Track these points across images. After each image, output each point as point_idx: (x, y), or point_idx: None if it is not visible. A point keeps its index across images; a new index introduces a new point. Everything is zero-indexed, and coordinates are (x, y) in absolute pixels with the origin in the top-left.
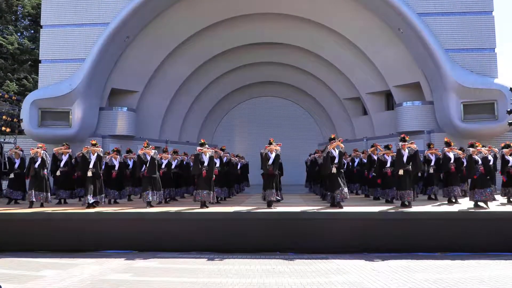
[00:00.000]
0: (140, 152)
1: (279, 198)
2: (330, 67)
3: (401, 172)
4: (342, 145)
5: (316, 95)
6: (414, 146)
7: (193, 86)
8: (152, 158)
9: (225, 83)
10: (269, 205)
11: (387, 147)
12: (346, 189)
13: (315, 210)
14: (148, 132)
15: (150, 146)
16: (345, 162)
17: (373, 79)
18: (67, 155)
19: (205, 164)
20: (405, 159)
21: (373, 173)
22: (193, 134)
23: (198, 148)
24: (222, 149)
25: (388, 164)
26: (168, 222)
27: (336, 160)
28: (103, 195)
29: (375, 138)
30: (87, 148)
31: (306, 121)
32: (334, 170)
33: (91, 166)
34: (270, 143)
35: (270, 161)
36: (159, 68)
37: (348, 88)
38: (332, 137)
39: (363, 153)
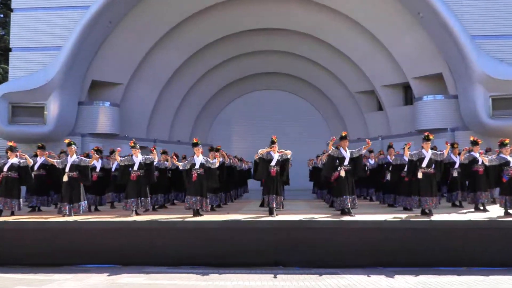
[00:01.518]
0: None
1: (278, 207)
2: (340, 56)
3: (420, 175)
4: (331, 147)
5: (324, 88)
6: (445, 154)
7: (184, 78)
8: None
9: (221, 74)
10: (271, 212)
11: (452, 146)
12: (354, 198)
13: (323, 219)
14: (134, 130)
15: (137, 146)
16: (369, 163)
17: (389, 70)
18: (42, 157)
19: (197, 166)
20: (426, 161)
21: (388, 178)
22: (185, 133)
23: (195, 147)
24: (217, 149)
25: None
26: (157, 232)
27: (347, 162)
28: (82, 202)
29: (391, 136)
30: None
31: (313, 118)
32: (343, 173)
33: (67, 169)
34: (273, 142)
35: (273, 162)
36: (146, 58)
37: (361, 80)
38: (343, 134)
39: (380, 154)
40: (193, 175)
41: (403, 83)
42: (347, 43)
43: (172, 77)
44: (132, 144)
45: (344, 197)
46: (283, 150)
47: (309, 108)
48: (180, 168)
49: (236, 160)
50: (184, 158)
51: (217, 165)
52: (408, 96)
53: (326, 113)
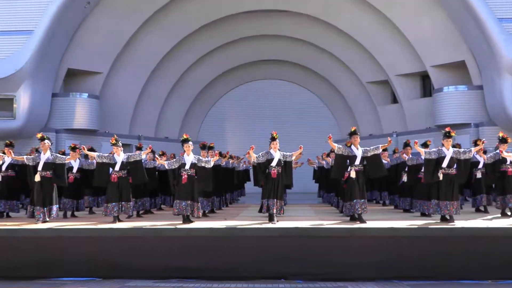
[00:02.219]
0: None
1: (279, 213)
2: (350, 42)
3: (440, 176)
4: (334, 144)
5: (332, 78)
6: (469, 154)
7: (173, 66)
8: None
9: (214, 62)
10: (271, 218)
11: (425, 145)
12: (364, 203)
13: (330, 226)
14: (116, 125)
15: (120, 143)
16: (388, 163)
17: (405, 57)
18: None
19: (187, 166)
20: (447, 160)
21: (404, 180)
22: (174, 128)
23: (185, 144)
24: (210, 147)
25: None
26: (142, 241)
27: (358, 161)
28: (53, 206)
29: (408, 133)
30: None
31: (319, 111)
32: (353, 174)
33: (39, 168)
34: (273, 139)
35: (274, 163)
36: (129, 44)
37: (373, 69)
38: (353, 130)
39: (394, 152)
40: (183, 177)
41: (421, 72)
42: (358, 27)
43: (158, 66)
44: (114, 141)
45: (355, 201)
46: (298, 150)
47: (314, 101)
48: (166, 167)
49: (235, 159)
50: (173, 158)
51: (212, 164)
52: (426, 87)
53: (333, 106)
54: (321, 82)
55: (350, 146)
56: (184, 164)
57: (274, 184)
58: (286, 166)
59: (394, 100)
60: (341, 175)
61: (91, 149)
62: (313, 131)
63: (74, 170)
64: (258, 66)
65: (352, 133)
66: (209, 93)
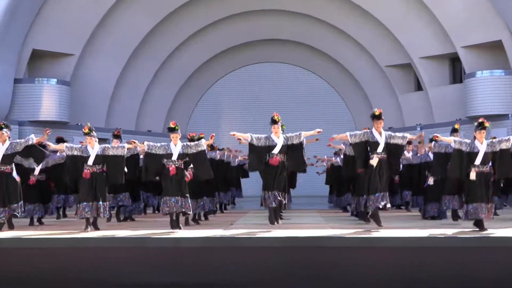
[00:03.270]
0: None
1: (283, 201)
2: (366, 18)
3: (473, 175)
4: (339, 145)
5: (345, 61)
6: (507, 143)
7: (156, 48)
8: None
9: (204, 43)
10: (272, 221)
11: (454, 130)
12: (385, 196)
13: (341, 234)
14: (89, 117)
15: (94, 133)
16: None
17: (431, 37)
18: None
19: (174, 157)
20: (481, 156)
21: (429, 182)
22: (158, 120)
23: (172, 133)
24: (199, 138)
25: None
26: (120, 254)
27: (381, 148)
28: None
29: (434, 125)
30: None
31: (330, 101)
32: (375, 161)
33: None
34: (274, 122)
35: (276, 150)
36: (104, 21)
37: (394, 51)
38: (377, 113)
39: (419, 142)
40: (170, 168)
41: (450, 55)
42: (376, 1)
43: (139, 47)
44: (87, 130)
45: (376, 195)
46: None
47: (324, 88)
48: (143, 148)
49: (233, 152)
50: None
51: (204, 146)
52: (456, 71)
53: (347, 94)
54: (332, 65)
55: (370, 131)
56: (171, 155)
57: (277, 172)
58: (293, 148)
59: (418, 87)
60: (362, 165)
61: (61, 139)
62: (322, 123)
63: (36, 172)
64: (256, 47)
65: (376, 117)
66: (199, 80)
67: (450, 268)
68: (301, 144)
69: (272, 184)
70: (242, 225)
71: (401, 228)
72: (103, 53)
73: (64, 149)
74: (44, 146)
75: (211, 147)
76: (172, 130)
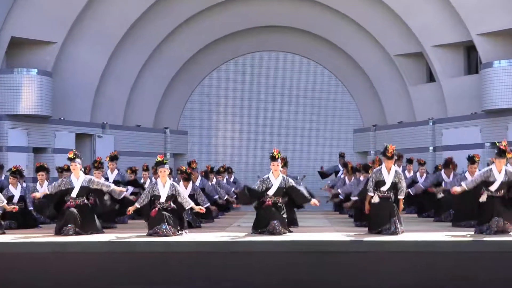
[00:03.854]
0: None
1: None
2: (373, 3)
3: (483, 198)
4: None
5: (351, 50)
6: None
7: (145, 36)
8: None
9: (199, 29)
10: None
11: (472, 160)
12: (399, 227)
13: (349, 238)
14: (73, 111)
15: (79, 160)
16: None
17: (444, 23)
18: None
19: (162, 199)
20: (496, 185)
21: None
22: (148, 114)
23: (160, 168)
24: (188, 174)
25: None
26: (106, 259)
27: (386, 187)
28: None
29: (448, 120)
30: None
31: (335, 92)
32: (376, 198)
33: None
34: (273, 158)
35: (271, 191)
36: (90, 6)
37: (404, 38)
38: (390, 154)
39: (437, 169)
40: (154, 209)
41: (465, 43)
42: None
43: (127, 35)
44: (72, 155)
45: (379, 229)
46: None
47: (328, 79)
48: (137, 205)
49: (220, 181)
50: (155, 172)
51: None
52: (471, 61)
53: (353, 86)
54: (336, 55)
55: (379, 168)
56: (158, 197)
57: (270, 210)
58: (291, 191)
59: (431, 78)
60: (362, 196)
61: (41, 168)
62: (325, 117)
63: (15, 200)
64: (253, 34)
65: (386, 156)
66: (192, 71)
67: (466, 272)
68: (296, 188)
69: (263, 221)
70: (239, 228)
71: (415, 231)
72: (88, 42)
73: (47, 190)
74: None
75: (205, 175)
76: (159, 164)
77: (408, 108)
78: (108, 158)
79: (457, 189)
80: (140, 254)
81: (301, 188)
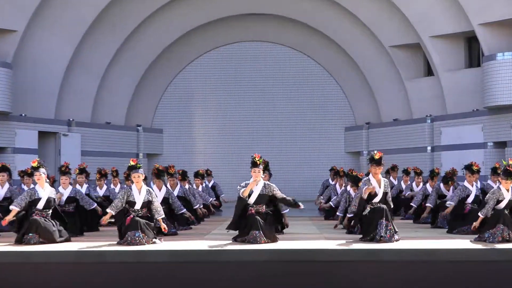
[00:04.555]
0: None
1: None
2: None
3: (489, 214)
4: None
5: (343, 40)
6: None
7: (116, 24)
8: None
9: (176, 16)
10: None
11: (470, 170)
12: (393, 233)
13: (340, 246)
14: (36, 107)
15: (44, 170)
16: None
17: (443, 12)
18: None
19: (137, 206)
20: (504, 204)
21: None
22: (119, 110)
23: (133, 173)
24: (170, 174)
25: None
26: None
27: (378, 199)
28: None
29: (447, 117)
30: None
31: (325, 87)
32: (366, 211)
33: None
34: (255, 164)
35: (252, 199)
36: None
37: (400, 28)
38: (377, 157)
39: (433, 175)
40: (128, 217)
41: (466, 33)
42: None
43: (96, 21)
44: (35, 164)
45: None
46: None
47: (318, 72)
48: (111, 212)
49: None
50: (127, 177)
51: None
52: (473, 53)
53: (344, 79)
54: (327, 46)
55: (368, 178)
56: (133, 203)
57: (254, 219)
58: (274, 198)
59: (429, 71)
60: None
61: (3, 168)
62: (315, 114)
63: None
64: (236, 23)
65: (374, 161)
66: (169, 61)
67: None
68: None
69: (245, 232)
70: (219, 235)
71: (414, 238)
72: (53, 29)
73: (16, 207)
74: None
75: (183, 177)
76: (132, 169)
77: (404, 104)
78: (76, 171)
79: (476, 224)
80: (110, 265)
81: (284, 195)
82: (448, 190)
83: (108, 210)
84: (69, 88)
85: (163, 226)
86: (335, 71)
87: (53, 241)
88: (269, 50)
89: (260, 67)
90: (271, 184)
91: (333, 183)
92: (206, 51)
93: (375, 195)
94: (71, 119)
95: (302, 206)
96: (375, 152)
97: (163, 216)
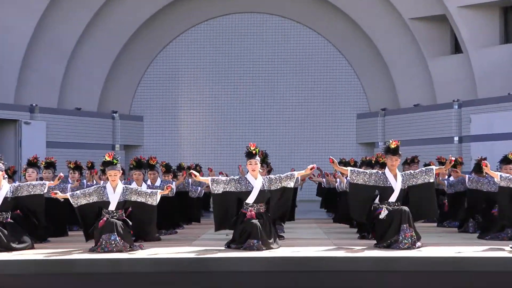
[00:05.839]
0: None
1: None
2: None
3: None
4: (342, 168)
5: (355, 12)
6: None
7: None
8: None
9: None
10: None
11: (506, 161)
12: (414, 238)
13: (351, 254)
14: None
15: (1, 166)
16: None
17: None
18: None
19: (112, 207)
20: None
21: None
22: (91, 94)
23: (109, 170)
24: (151, 166)
25: None
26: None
27: (395, 197)
28: None
29: (477, 102)
30: None
31: (334, 68)
32: (383, 214)
33: None
34: (250, 155)
35: (251, 198)
36: None
37: None
38: (393, 146)
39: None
40: (101, 220)
41: (502, 2)
42: None
43: None
44: None
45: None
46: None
47: (325, 49)
48: (69, 197)
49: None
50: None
51: (157, 198)
52: (509, 26)
53: (357, 59)
54: (336, 18)
55: (383, 172)
56: (107, 203)
57: (254, 225)
58: (281, 196)
59: (457, 48)
60: (361, 216)
61: None
62: (322, 99)
63: None
64: None
65: (390, 151)
66: (148, 39)
67: None
68: (289, 190)
69: (241, 239)
70: (209, 241)
71: (433, 244)
72: (11, 1)
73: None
74: None
75: (166, 170)
76: (108, 164)
77: (427, 86)
78: (43, 164)
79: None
80: (81, 276)
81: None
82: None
83: (68, 194)
84: (31, 69)
85: (165, 192)
86: (345, 48)
87: (9, 248)
88: (267, 23)
89: (256, 44)
90: (276, 176)
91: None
92: (193, 25)
93: (392, 190)
94: (34, 105)
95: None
96: (391, 141)
97: (157, 191)
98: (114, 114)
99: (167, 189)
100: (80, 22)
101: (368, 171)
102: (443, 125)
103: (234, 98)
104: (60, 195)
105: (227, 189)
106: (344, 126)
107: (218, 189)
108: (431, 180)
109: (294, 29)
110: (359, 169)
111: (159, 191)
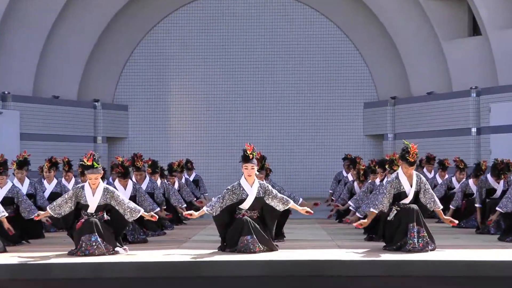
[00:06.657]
0: None
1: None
2: None
3: None
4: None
5: None
6: None
7: None
8: None
9: None
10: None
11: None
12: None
13: (357, 257)
14: None
15: None
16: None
17: None
18: None
19: (91, 209)
20: None
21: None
22: (70, 81)
23: (89, 174)
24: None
25: None
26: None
27: (408, 200)
28: None
29: (498, 89)
30: None
31: (339, 52)
32: (391, 215)
33: None
34: (246, 159)
35: (246, 204)
36: None
37: None
38: (412, 153)
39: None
40: (79, 221)
41: None
42: None
43: None
44: None
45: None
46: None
47: (329, 31)
48: (50, 212)
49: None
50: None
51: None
52: None
53: (364, 42)
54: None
55: (396, 176)
56: (86, 206)
57: (245, 221)
58: (269, 211)
59: (475, 30)
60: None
61: None
62: (326, 86)
63: None
64: None
65: (408, 163)
66: (135, 17)
67: None
68: (281, 212)
69: (234, 240)
70: (201, 243)
71: (448, 247)
72: None
73: None
74: None
75: (152, 170)
76: (88, 168)
77: (442, 72)
78: (14, 164)
79: None
80: (58, 282)
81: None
82: (499, 182)
83: (48, 208)
84: (3, 52)
85: (148, 215)
86: (351, 30)
87: None
88: (265, 2)
89: (254, 26)
90: (271, 189)
91: (350, 178)
92: (184, 3)
93: (405, 195)
94: (6, 92)
95: (311, 211)
96: (410, 145)
97: (141, 210)
98: (96, 103)
99: (152, 217)
100: (57, 1)
101: (387, 192)
102: (460, 115)
103: (229, 86)
104: (42, 214)
105: (224, 206)
106: (350, 116)
107: (215, 211)
108: (438, 208)
109: (296, 9)
110: (382, 199)
111: (142, 211)
